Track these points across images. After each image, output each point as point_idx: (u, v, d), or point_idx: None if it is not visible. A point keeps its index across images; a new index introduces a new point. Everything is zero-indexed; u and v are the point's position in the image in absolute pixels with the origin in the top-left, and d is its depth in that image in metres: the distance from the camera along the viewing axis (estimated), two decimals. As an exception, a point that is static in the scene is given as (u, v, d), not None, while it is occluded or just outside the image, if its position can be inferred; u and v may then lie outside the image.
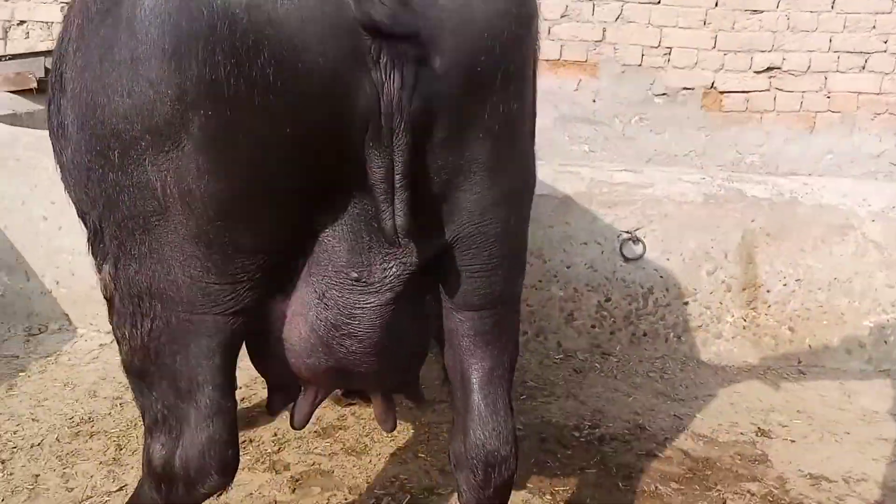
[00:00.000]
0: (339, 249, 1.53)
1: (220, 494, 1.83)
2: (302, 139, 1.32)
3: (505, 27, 1.34)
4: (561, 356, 3.88)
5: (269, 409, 2.24)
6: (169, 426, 1.67)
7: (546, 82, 4.99)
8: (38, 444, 2.90)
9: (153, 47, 1.26)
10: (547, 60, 4.93)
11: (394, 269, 1.54)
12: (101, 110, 1.37)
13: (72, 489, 2.63)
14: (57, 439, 2.93)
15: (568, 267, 3.86)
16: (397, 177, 1.35)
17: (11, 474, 2.70)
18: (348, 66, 1.25)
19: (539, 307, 3.91)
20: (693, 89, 4.89)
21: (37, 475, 2.70)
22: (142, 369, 1.68)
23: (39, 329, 3.87)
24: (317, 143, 1.34)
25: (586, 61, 4.92)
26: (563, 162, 5.04)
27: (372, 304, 1.57)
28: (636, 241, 3.79)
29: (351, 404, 3.20)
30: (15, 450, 2.86)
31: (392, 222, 1.38)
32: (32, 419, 3.08)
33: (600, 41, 4.89)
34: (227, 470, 1.68)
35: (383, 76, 1.25)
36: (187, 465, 1.65)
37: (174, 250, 1.47)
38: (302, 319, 1.63)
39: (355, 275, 1.55)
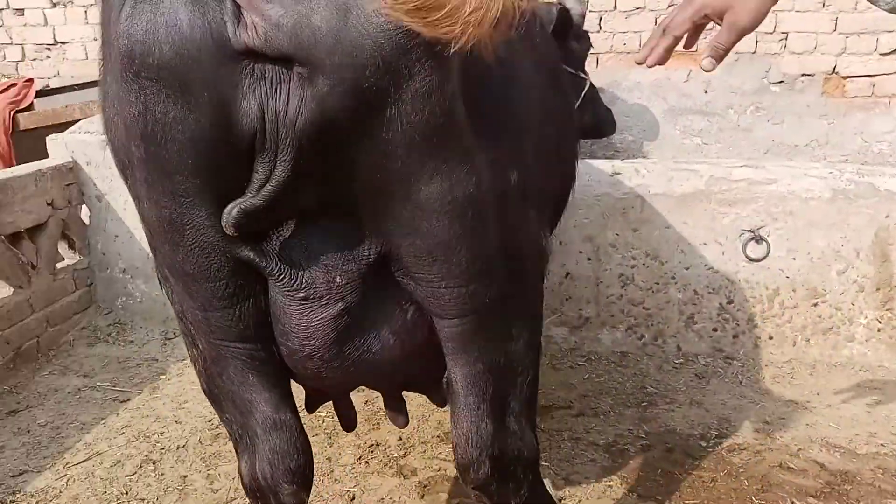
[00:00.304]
0: (279, 277, 1.55)
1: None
2: (205, 164, 1.38)
3: (389, 43, 1.27)
4: (681, 361, 3.79)
5: (307, 409, 2.25)
6: (244, 444, 1.79)
7: (653, 74, 4.85)
8: (183, 446, 3.10)
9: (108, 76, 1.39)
10: (655, 52, 4.79)
11: (338, 280, 1.54)
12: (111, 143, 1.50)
13: (217, 490, 2.80)
14: (199, 441, 3.12)
15: (686, 268, 3.76)
16: (269, 184, 1.38)
17: (162, 475, 2.90)
18: (233, 91, 1.31)
19: (657, 310, 3.83)
20: (813, 75, 4.62)
21: (184, 476, 2.89)
22: (209, 392, 1.82)
23: (175, 333, 4.12)
24: (218, 168, 1.39)
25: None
26: (676, 157, 4.91)
27: (322, 319, 1.58)
28: (760, 240, 3.64)
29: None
30: (163, 451, 3.06)
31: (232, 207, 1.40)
32: (175, 421, 3.30)
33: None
34: (296, 480, 1.75)
35: (265, 95, 1.31)
36: (263, 478, 1.75)
37: (175, 280, 1.60)
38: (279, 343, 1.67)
39: (301, 294, 1.56)
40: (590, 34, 4.21)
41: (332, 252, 1.53)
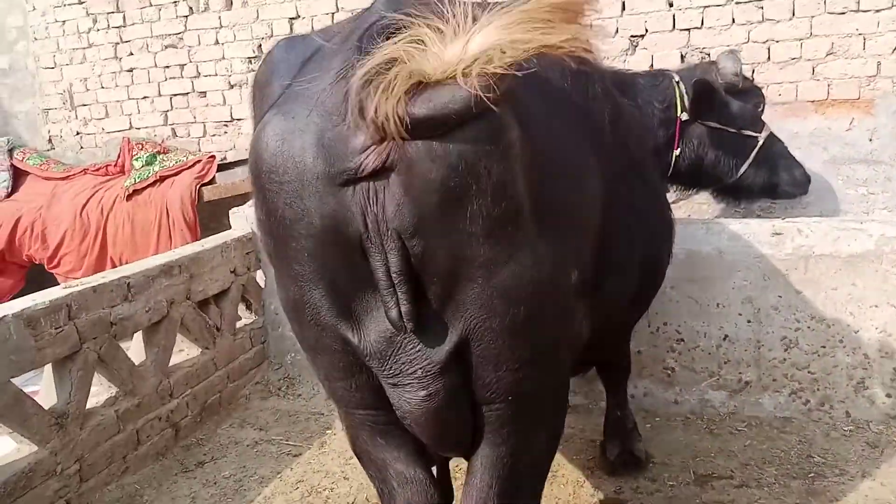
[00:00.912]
0: (373, 364, 1.75)
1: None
2: (319, 256, 1.64)
3: (469, 151, 1.51)
4: (851, 428, 3.57)
5: None
6: (385, 499, 2.03)
7: (812, 124, 4.67)
8: (352, 503, 3.30)
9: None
10: (812, 101, 4.61)
11: (420, 370, 1.70)
12: None
13: (384, 549, 2.95)
14: (367, 498, 3.31)
15: (856, 331, 3.56)
16: (393, 274, 1.57)
17: (335, 531, 3.11)
18: (341, 202, 1.56)
19: (823, 374, 3.64)
20: None
21: (356, 531, 3.08)
22: (354, 451, 2.10)
23: (338, 390, 4.39)
24: (329, 259, 1.64)
25: (859, 98, 4.52)
26: (839, 209, 4.68)
27: (414, 402, 1.75)
28: (940, 302, 3.39)
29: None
30: (334, 508, 3.28)
31: (397, 310, 1.60)
32: (344, 477, 3.52)
33: (874, 76, 4.48)
34: None
35: (364, 201, 1.55)
36: None
37: (305, 352, 1.93)
38: None
39: (391, 381, 1.75)
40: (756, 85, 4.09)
41: (417, 346, 1.70)
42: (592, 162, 2.02)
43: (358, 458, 2.11)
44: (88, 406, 3.42)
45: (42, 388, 3.34)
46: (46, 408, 3.19)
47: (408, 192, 1.52)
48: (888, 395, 3.56)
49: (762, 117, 3.86)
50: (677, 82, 3.66)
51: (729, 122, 3.72)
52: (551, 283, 1.74)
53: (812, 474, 3.23)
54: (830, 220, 3.71)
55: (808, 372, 3.66)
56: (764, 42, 4.66)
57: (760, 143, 3.75)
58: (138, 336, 3.82)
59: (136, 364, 3.69)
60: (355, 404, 1.91)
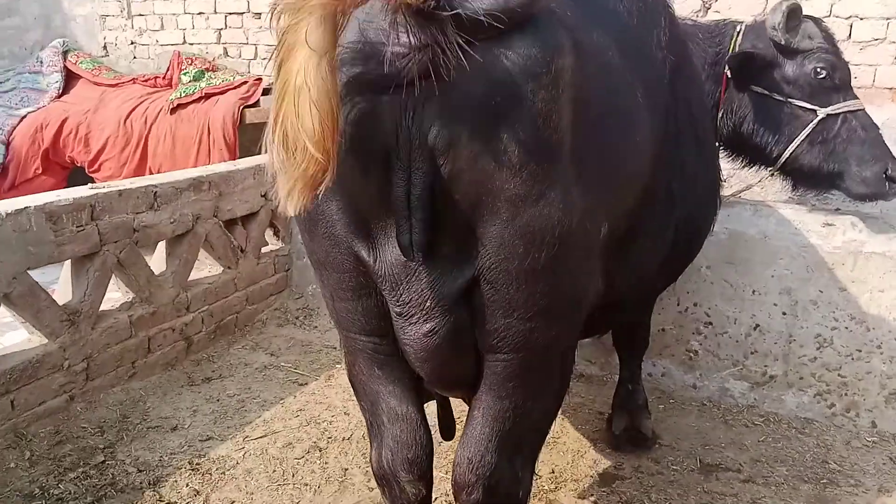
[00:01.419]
0: (385, 288, 1.65)
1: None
2: (344, 168, 1.43)
3: (517, 69, 1.40)
4: (875, 439, 3.39)
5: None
6: (374, 432, 1.98)
7: (886, 113, 4.33)
8: (348, 438, 3.28)
9: None
10: (890, 88, 4.29)
11: (428, 302, 1.61)
12: None
13: (373, 489, 2.92)
14: (363, 436, 3.28)
15: (896, 339, 3.35)
16: (413, 197, 1.46)
17: (326, 464, 3.09)
18: (374, 109, 1.43)
19: (854, 379, 3.45)
20: None
21: (346, 469, 3.06)
22: (350, 381, 2.04)
23: (353, 327, 4.37)
24: (350, 173, 1.48)
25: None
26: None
27: (417, 335, 1.66)
28: None
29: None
30: (330, 440, 3.26)
31: (409, 236, 1.50)
32: (345, 412, 3.49)
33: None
34: (413, 470, 1.89)
35: (399, 112, 1.42)
36: (387, 465, 1.92)
37: (315, 269, 1.81)
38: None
39: (398, 310, 1.66)
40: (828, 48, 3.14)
41: (429, 277, 1.59)
42: (647, 113, 1.87)
43: (352, 387, 2.05)
44: (103, 308, 3.44)
45: (59, 284, 3.37)
46: (60, 303, 3.21)
47: (446, 106, 1.41)
48: (921, 410, 3.36)
49: (840, 89, 3.07)
50: (739, 32, 3.17)
51: (775, 88, 3.08)
52: (579, 233, 1.61)
53: (825, 480, 3.09)
54: (887, 216, 3.47)
55: (839, 375, 3.48)
56: (847, 18, 4.34)
57: (818, 118, 3.02)
58: (161, 246, 3.82)
59: (156, 273, 3.69)
60: (358, 329, 1.82)
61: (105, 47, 7.04)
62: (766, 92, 3.02)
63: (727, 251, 3.57)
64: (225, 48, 6.42)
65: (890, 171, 3.04)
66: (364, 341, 1.84)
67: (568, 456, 3.22)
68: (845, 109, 3.02)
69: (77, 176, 6.06)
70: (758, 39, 3.10)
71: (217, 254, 4.08)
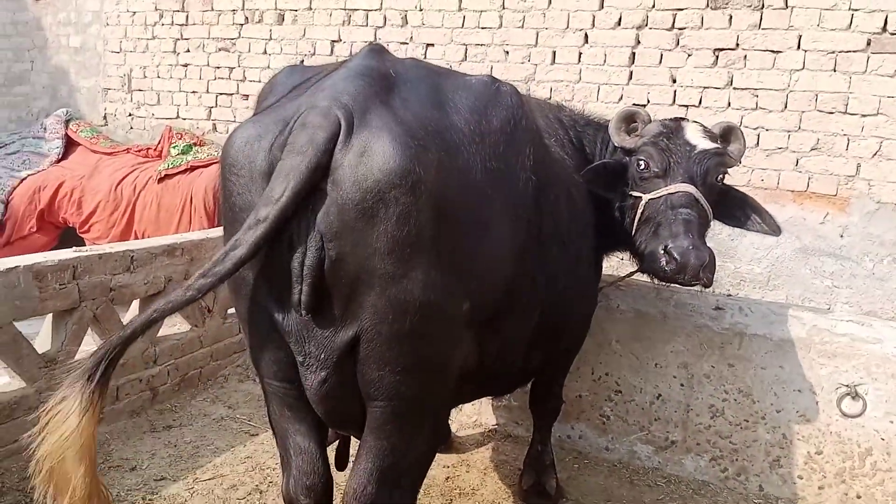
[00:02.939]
0: (291, 342, 2.10)
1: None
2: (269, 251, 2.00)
3: (383, 181, 1.90)
4: (760, 501, 3.79)
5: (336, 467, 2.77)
6: (284, 464, 2.40)
7: (789, 212, 4.92)
8: (287, 484, 3.66)
9: None
10: (791, 191, 4.86)
11: (322, 355, 2.06)
12: None
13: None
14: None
15: (778, 411, 3.80)
16: (305, 268, 1.95)
17: (265, 503, 3.48)
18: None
19: (743, 446, 3.88)
20: (962, 234, 4.47)
21: (281, 509, 3.44)
22: (269, 421, 2.46)
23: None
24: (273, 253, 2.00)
25: (836, 195, 4.76)
26: (804, 296, 4.90)
27: (314, 382, 2.11)
28: (856, 396, 3.62)
29: None
30: (271, 483, 3.64)
31: (299, 297, 1.97)
32: (287, 461, 3.88)
33: (853, 176, 4.72)
34: (311, 494, 2.34)
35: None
36: (290, 491, 2.37)
37: (240, 323, 2.39)
38: None
39: (300, 359, 2.11)
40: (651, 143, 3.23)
41: (322, 334, 2.06)
42: (506, 220, 2.31)
43: (270, 426, 2.49)
44: (77, 356, 3.87)
45: (40, 334, 3.81)
46: (40, 352, 3.65)
47: (333, 204, 1.92)
48: (800, 477, 3.78)
49: (664, 177, 3.15)
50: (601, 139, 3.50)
51: (623, 185, 3.29)
52: (439, 306, 2.07)
53: (712, 534, 3.48)
54: (770, 304, 3.97)
55: (730, 442, 3.91)
56: (755, 129, 4.95)
57: (643, 203, 3.16)
58: (135, 304, 4.28)
59: (128, 329, 4.13)
60: (272, 375, 2.27)
61: (105, 117, 7.67)
62: (616, 190, 3.30)
63: (634, 327, 4.05)
64: (214, 124, 7.03)
65: (669, 246, 2.96)
66: (276, 386, 2.30)
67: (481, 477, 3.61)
68: (664, 192, 3.11)
69: (68, 235, 6.57)
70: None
71: (185, 313, 4.54)
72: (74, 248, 3.90)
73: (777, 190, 4.91)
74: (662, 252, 2.97)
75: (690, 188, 3.07)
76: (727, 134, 3.38)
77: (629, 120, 3.32)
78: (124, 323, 4.07)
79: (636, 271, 3.46)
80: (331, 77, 2.15)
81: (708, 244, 3.08)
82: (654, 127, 3.27)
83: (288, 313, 2.09)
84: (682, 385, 3.99)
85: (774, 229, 3.44)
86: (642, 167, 3.17)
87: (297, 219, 1.95)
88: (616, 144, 3.34)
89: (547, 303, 2.70)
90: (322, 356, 2.09)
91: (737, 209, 3.45)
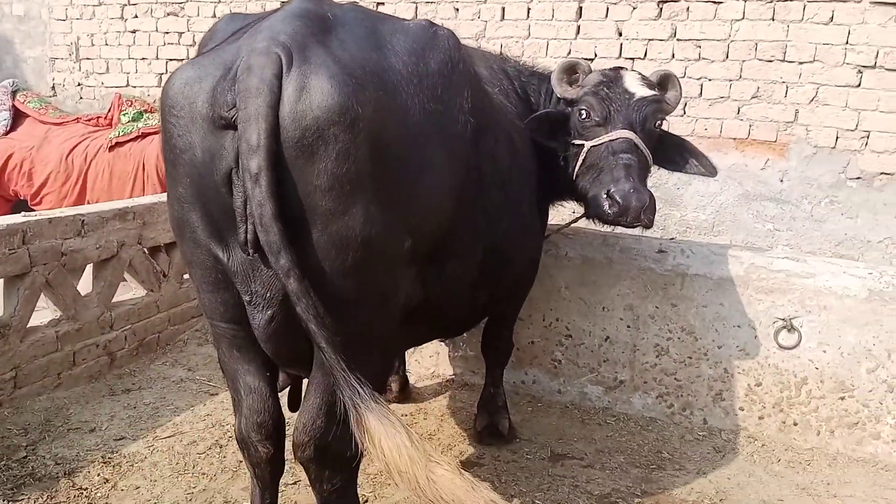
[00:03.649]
0: (237, 282, 2.17)
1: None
2: (198, 185, 2.08)
3: (323, 118, 1.95)
4: (704, 433, 3.98)
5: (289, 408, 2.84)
6: (236, 405, 2.49)
7: (731, 160, 5.06)
8: (247, 437, 3.74)
9: None
10: (734, 139, 5.00)
11: (268, 294, 2.14)
12: None
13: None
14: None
15: (719, 347, 3.97)
16: (248, 206, 1.97)
17: (224, 457, 3.54)
18: (218, 141, 2.02)
19: (687, 382, 4.05)
20: (893, 174, 4.65)
21: (240, 461, 3.49)
22: (220, 364, 2.56)
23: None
24: (207, 188, 2.07)
25: (776, 141, 4.90)
26: (746, 240, 5.07)
27: (261, 321, 2.19)
28: (791, 329, 3.80)
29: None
30: (230, 439, 3.70)
31: (244, 236, 2.03)
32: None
33: (791, 122, 4.87)
34: (262, 432, 2.43)
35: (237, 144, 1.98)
36: (243, 431, 2.47)
37: (187, 267, 2.43)
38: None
39: (247, 299, 2.18)
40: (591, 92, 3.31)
41: (267, 272, 2.11)
42: (445, 160, 2.37)
43: (221, 369, 2.55)
44: (31, 323, 3.88)
45: (-10, 300, 3.81)
46: (-9, 319, 3.66)
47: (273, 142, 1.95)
48: (741, 409, 3.96)
49: (604, 125, 3.24)
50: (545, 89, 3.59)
51: (565, 134, 3.37)
52: (380, 242, 2.13)
53: (654, 466, 3.64)
54: (710, 245, 4.12)
55: (675, 379, 4.08)
56: (698, 79, 5.06)
57: (585, 149, 3.26)
58: (89, 270, 4.28)
59: (82, 294, 4.15)
60: (219, 317, 2.33)
61: (53, 88, 7.52)
62: (559, 139, 3.39)
63: (581, 273, 4.18)
64: (165, 91, 6.94)
65: (611, 190, 3.07)
66: (224, 328, 2.36)
67: (439, 449, 3.73)
68: (605, 139, 3.21)
69: (20, 208, 6.48)
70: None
71: (140, 278, 4.56)
72: (23, 213, 3.88)
73: (720, 138, 5.04)
74: (605, 196, 3.09)
75: (630, 134, 3.18)
76: (664, 82, 3.49)
77: (570, 71, 3.40)
78: (79, 289, 4.10)
79: (580, 217, 3.58)
80: (268, 19, 2.18)
81: (654, 192, 3.20)
82: (594, 77, 3.36)
83: (233, 253, 2.14)
84: (628, 326, 4.14)
85: (711, 170, 3.57)
86: (584, 116, 3.27)
87: (237, 158, 1.99)
88: (558, 95, 3.42)
89: (488, 244, 2.78)
90: (268, 294, 2.15)
91: (675, 153, 3.57)
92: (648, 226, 3.14)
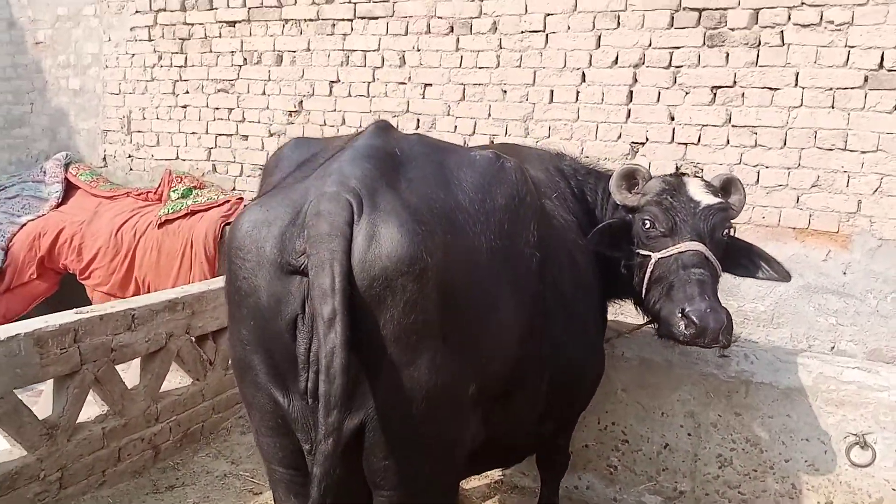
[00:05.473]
0: (296, 429, 2.09)
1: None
2: (263, 329, 2.04)
3: (390, 268, 1.90)
4: (772, 552, 3.75)
5: None
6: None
7: (791, 250, 4.89)
8: None
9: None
10: (793, 228, 4.83)
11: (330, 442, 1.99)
12: None
13: None
14: None
15: (786, 461, 3.75)
16: (311, 354, 1.94)
17: None
18: (285, 286, 1.98)
19: (752, 497, 3.83)
20: (964, 271, 4.44)
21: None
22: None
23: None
24: (271, 332, 2.02)
25: (838, 232, 4.73)
26: (807, 334, 4.86)
27: (321, 469, 1.98)
28: (865, 445, 3.57)
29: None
30: None
31: (305, 384, 1.98)
32: None
33: (854, 213, 4.69)
34: None
35: (304, 290, 1.94)
36: None
37: (245, 406, 2.33)
38: None
39: (306, 447, 2.09)
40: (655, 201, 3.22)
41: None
42: (512, 298, 2.30)
43: None
44: (79, 420, 3.84)
45: (41, 400, 3.78)
46: (41, 418, 3.62)
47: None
48: (811, 526, 3.73)
49: (670, 235, 3.12)
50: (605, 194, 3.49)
51: (629, 243, 3.28)
52: (447, 391, 2.06)
53: (721, 590, 3.43)
54: (775, 350, 3.93)
55: (739, 492, 3.86)
56: (755, 166, 4.93)
57: (653, 262, 3.12)
58: (136, 362, 4.25)
59: (129, 388, 4.11)
60: (278, 462, 2.25)
61: (105, 159, 7.68)
62: (622, 248, 3.27)
63: (639, 376, 4.01)
64: (214, 165, 7.04)
65: (687, 310, 2.91)
66: (282, 472, 2.27)
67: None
68: (674, 252, 3.07)
69: (68, 280, 6.56)
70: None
71: (187, 367, 4.52)
72: (76, 309, 3.88)
73: (778, 227, 4.88)
74: (680, 316, 2.93)
75: (700, 247, 3.05)
76: (727, 186, 3.38)
77: (630, 177, 3.31)
78: (126, 381, 4.06)
79: (644, 325, 3.46)
80: (337, 160, 2.14)
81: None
82: (655, 184, 3.26)
83: (293, 399, 2.06)
84: (689, 434, 3.95)
85: (784, 276, 3.41)
86: (648, 226, 3.16)
87: (304, 304, 1.94)
88: (618, 202, 3.33)
89: (555, 373, 2.68)
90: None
91: (743, 258, 3.42)
92: (727, 345, 2.99)
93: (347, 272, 1.88)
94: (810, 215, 4.80)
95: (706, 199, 3.20)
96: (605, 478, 4.16)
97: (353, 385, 1.95)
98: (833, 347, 4.82)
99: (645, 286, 3.19)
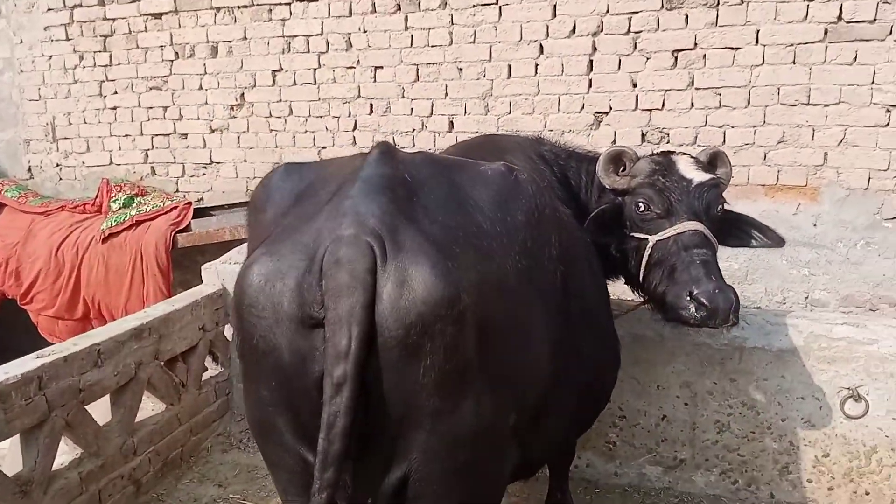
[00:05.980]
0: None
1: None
2: (287, 388, 1.86)
3: (427, 313, 1.73)
4: (774, 510, 3.81)
5: None
6: None
7: (761, 206, 4.92)
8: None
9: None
10: (762, 185, 4.86)
11: (368, 500, 1.89)
12: None
13: None
14: None
15: (783, 420, 3.80)
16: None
17: None
18: (309, 341, 1.80)
19: (751, 457, 3.88)
20: (930, 213, 4.55)
21: None
22: None
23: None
24: (297, 391, 1.84)
25: (806, 185, 4.78)
26: (781, 286, 4.93)
27: None
28: (858, 398, 3.64)
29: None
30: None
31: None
32: None
33: (821, 165, 4.74)
34: None
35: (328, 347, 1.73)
36: None
37: (267, 467, 2.16)
38: None
39: None
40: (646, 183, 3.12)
41: (366, 476, 1.88)
42: (543, 319, 2.17)
43: None
44: (53, 468, 3.56)
45: (8, 455, 3.49)
46: (11, 475, 3.34)
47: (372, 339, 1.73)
48: (809, 480, 3.80)
49: (667, 216, 3.05)
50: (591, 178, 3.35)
51: (622, 226, 3.20)
52: (491, 429, 1.94)
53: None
54: (765, 314, 3.94)
55: (738, 454, 3.90)
56: (720, 127, 4.92)
57: (651, 245, 3.05)
58: (106, 399, 3.97)
59: (102, 426, 3.84)
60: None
61: (30, 170, 7.17)
62: (613, 233, 3.18)
63: (632, 352, 3.96)
64: (153, 167, 6.65)
65: (696, 292, 2.84)
66: None
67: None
68: (672, 233, 3.00)
69: (9, 306, 6.13)
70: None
71: (160, 394, 4.25)
72: (36, 353, 3.57)
73: (748, 185, 4.90)
74: (689, 299, 2.86)
75: (698, 226, 2.99)
76: (714, 160, 3.32)
77: (617, 160, 3.21)
78: (98, 419, 3.80)
79: (641, 305, 3.42)
80: (347, 196, 1.92)
81: None
82: (644, 165, 3.17)
83: None
84: (686, 404, 3.95)
85: (778, 241, 3.39)
86: (642, 208, 3.07)
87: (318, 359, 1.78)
88: (607, 186, 3.23)
89: (583, 381, 2.59)
90: (369, 502, 1.92)
91: (735, 229, 3.38)
92: (735, 324, 2.95)
93: (367, 332, 1.73)
94: (778, 171, 4.83)
95: (698, 176, 3.13)
96: (604, 454, 4.15)
97: (393, 438, 1.84)
98: (807, 297, 4.90)
99: (643, 270, 3.11)
